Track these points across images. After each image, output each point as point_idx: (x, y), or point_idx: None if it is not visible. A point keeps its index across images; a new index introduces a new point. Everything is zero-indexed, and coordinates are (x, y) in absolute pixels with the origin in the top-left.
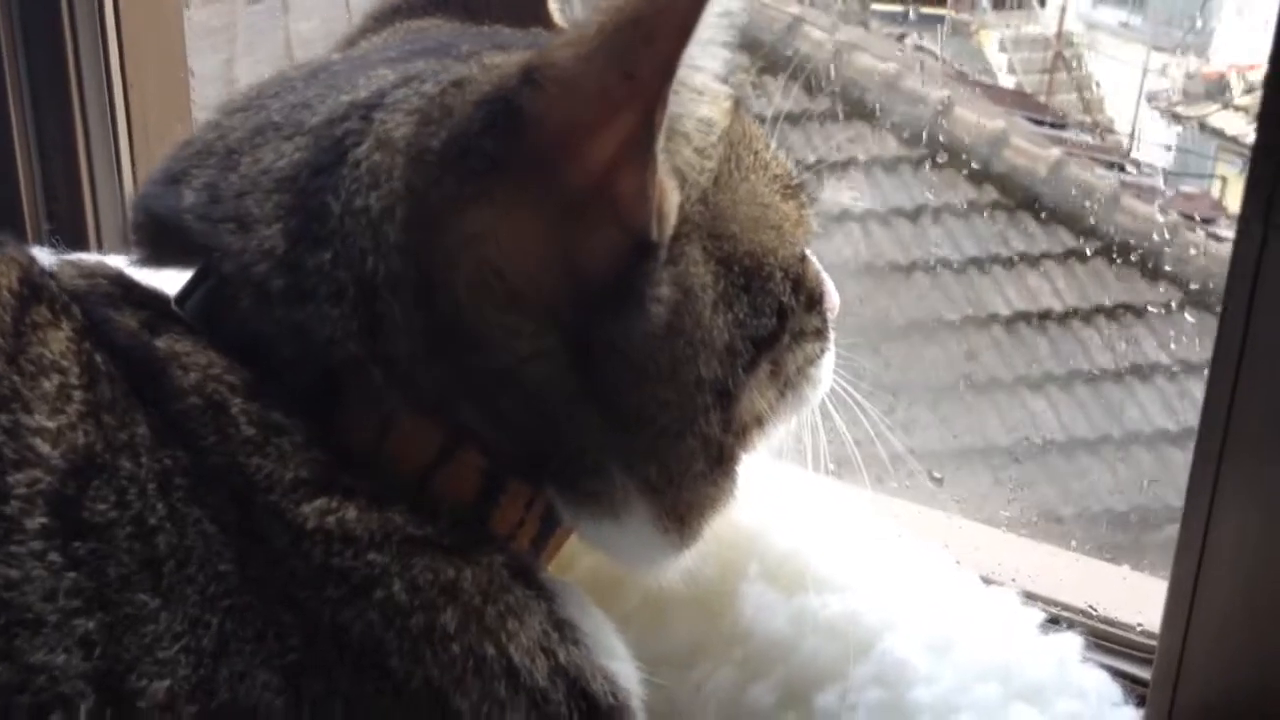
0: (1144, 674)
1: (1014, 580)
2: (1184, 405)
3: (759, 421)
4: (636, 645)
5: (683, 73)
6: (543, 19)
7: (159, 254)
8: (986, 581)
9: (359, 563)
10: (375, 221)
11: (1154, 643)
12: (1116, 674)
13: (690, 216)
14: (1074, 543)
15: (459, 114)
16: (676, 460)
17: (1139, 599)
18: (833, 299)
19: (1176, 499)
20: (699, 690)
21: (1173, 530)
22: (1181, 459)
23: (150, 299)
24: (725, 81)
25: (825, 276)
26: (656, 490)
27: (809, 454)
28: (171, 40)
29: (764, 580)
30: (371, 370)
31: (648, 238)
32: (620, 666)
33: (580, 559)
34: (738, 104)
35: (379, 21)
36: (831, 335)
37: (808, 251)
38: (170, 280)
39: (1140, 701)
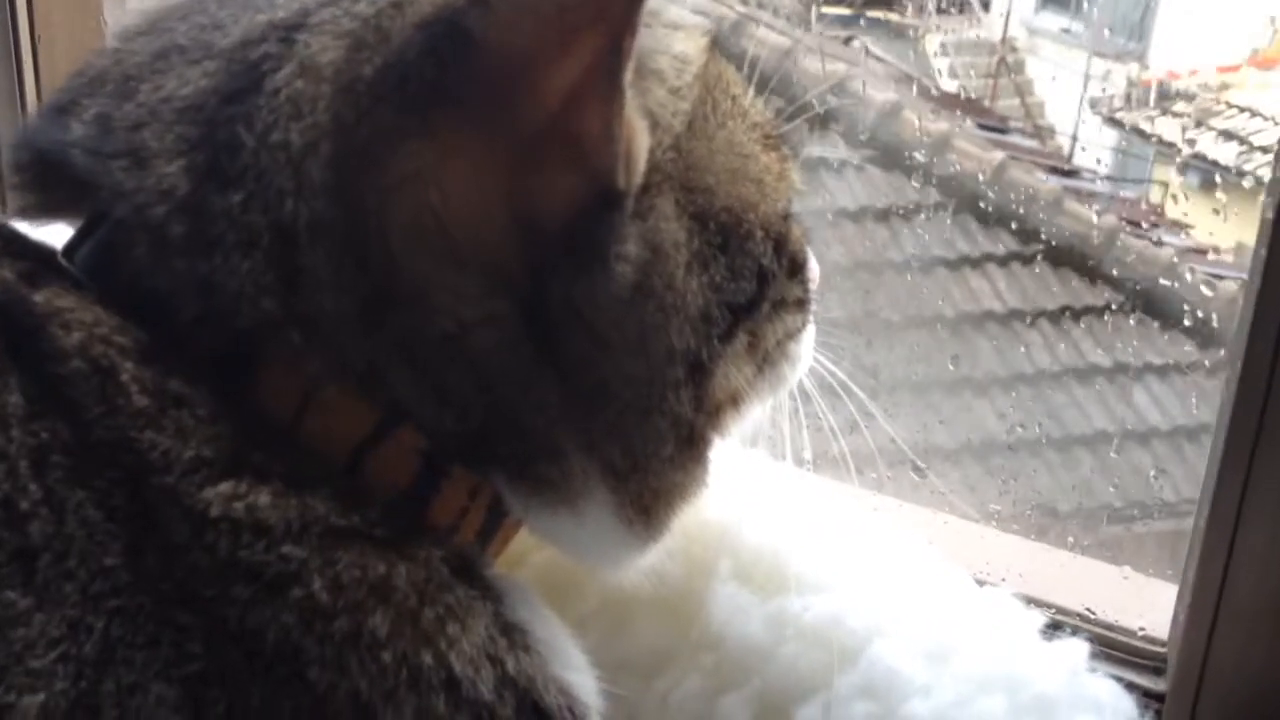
0: (1149, 683)
1: (1004, 580)
2: (1121, 406)
3: (734, 400)
4: (595, 651)
5: None
6: None
7: (47, 200)
8: (979, 582)
9: (272, 556)
10: (296, 158)
11: (1158, 649)
12: (1121, 683)
13: (661, 165)
14: (1070, 539)
15: (397, 38)
16: (643, 442)
17: (1140, 602)
18: (814, 268)
19: (1118, 499)
20: (664, 702)
21: (1112, 529)
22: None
23: (33, 249)
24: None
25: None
26: (619, 476)
27: (786, 442)
28: None
29: (737, 580)
30: (290, 332)
31: (613, 185)
32: (577, 677)
33: (532, 554)
34: (713, 42)
35: None
36: (813, 308)
37: (792, 210)
38: (63, 233)
39: (1157, 715)
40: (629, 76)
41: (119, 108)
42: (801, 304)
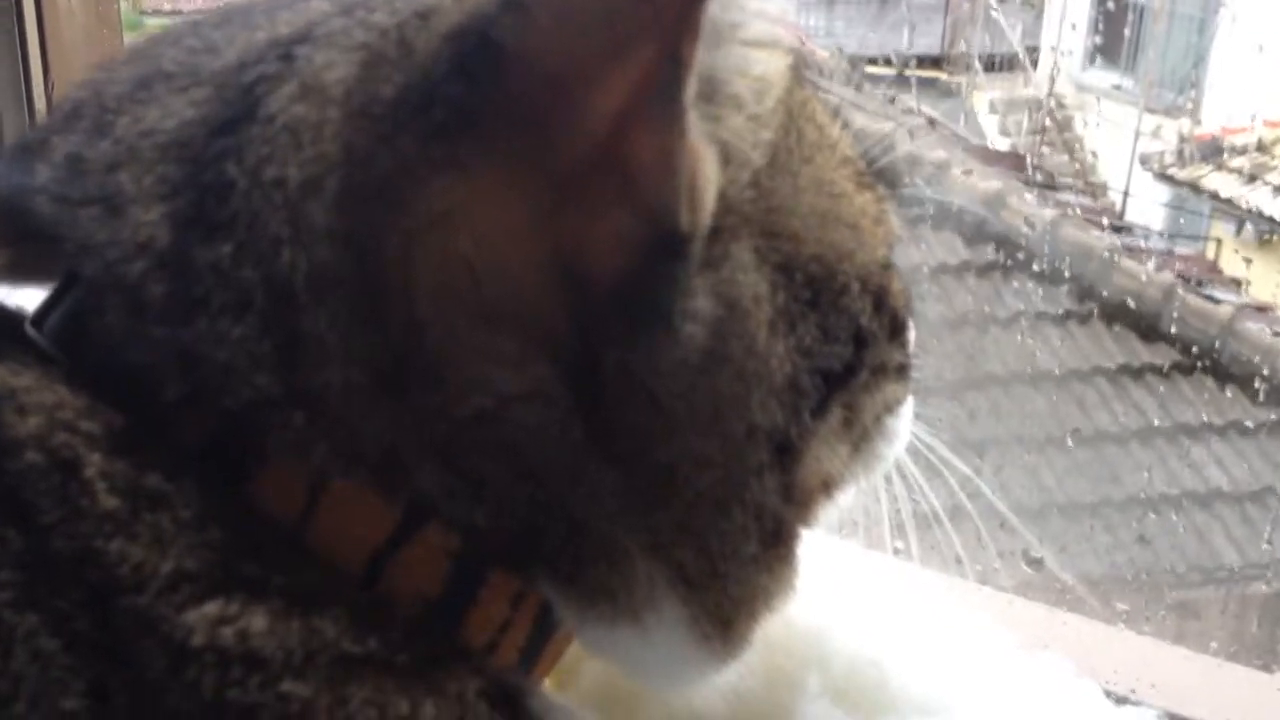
0: None
1: (1134, 691)
2: (1179, 467)
3: (826, 486)
4: None
5: (722, 3)
6: None
7: (15, 257)
8: (1112, 695)
9: (269, 696)
10: (293, 198)
11: None
12: None
13: (737, 206)
14: (1214, 645)
15: (421, 52)
16: (720, 540)
17: None
18: (910, 330)
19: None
20: None
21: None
22: (1200, 519)
23: None
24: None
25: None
26: (692, 582)
27: (880, 527)
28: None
29: (828, 697)
30: (290, 413)
31: (674, 227)
32: None
33: (584, 666)
34: (798, 64)
35: None
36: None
37: (892, 261)
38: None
39: None
40: (691, 94)
41: (93, 146)
42: (903, 371)
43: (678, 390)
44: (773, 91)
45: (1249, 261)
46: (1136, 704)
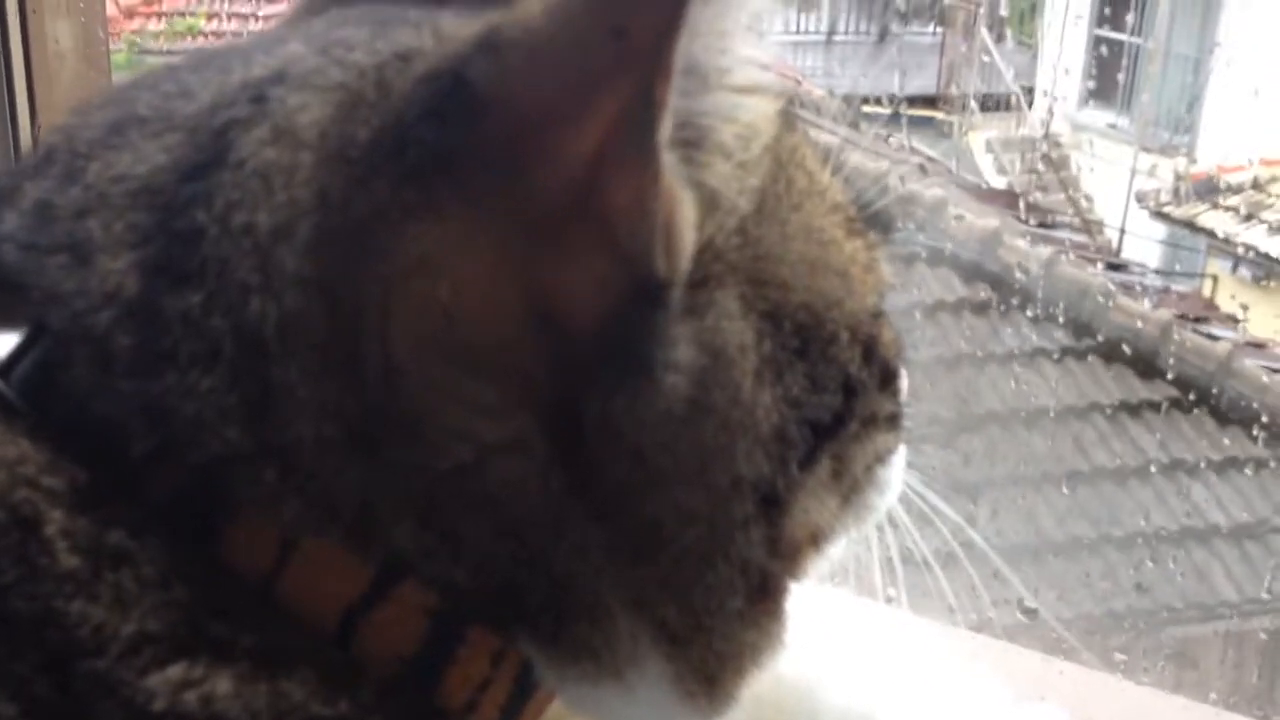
0: None
1: None
2: (1179, 503)
3: (814, 540)
4: None
5: (706, 47)
6: None
7: None
8: None
9: None
10: (264, 244)
11: None
12: None
13: (723, 253)
14: (1212, 695)
15: (398, 94)
16: (705, 596)
17: None
18: (904, 378)
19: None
20: None
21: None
22: (1199, 557)
23: None
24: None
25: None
26: (677, 639)
27: (871, 574)
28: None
29: None
30: (261, 468)
31: (651, 271)
32: None
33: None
34: (788, 109)
35: (311, 9)
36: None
37: (883, 309)
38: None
39: None
40: (665, 135)
41: (63, 192)
42: (894, 420)
43: (661, 441)
44: (760, 138)
45: (1245, 303)
46: None
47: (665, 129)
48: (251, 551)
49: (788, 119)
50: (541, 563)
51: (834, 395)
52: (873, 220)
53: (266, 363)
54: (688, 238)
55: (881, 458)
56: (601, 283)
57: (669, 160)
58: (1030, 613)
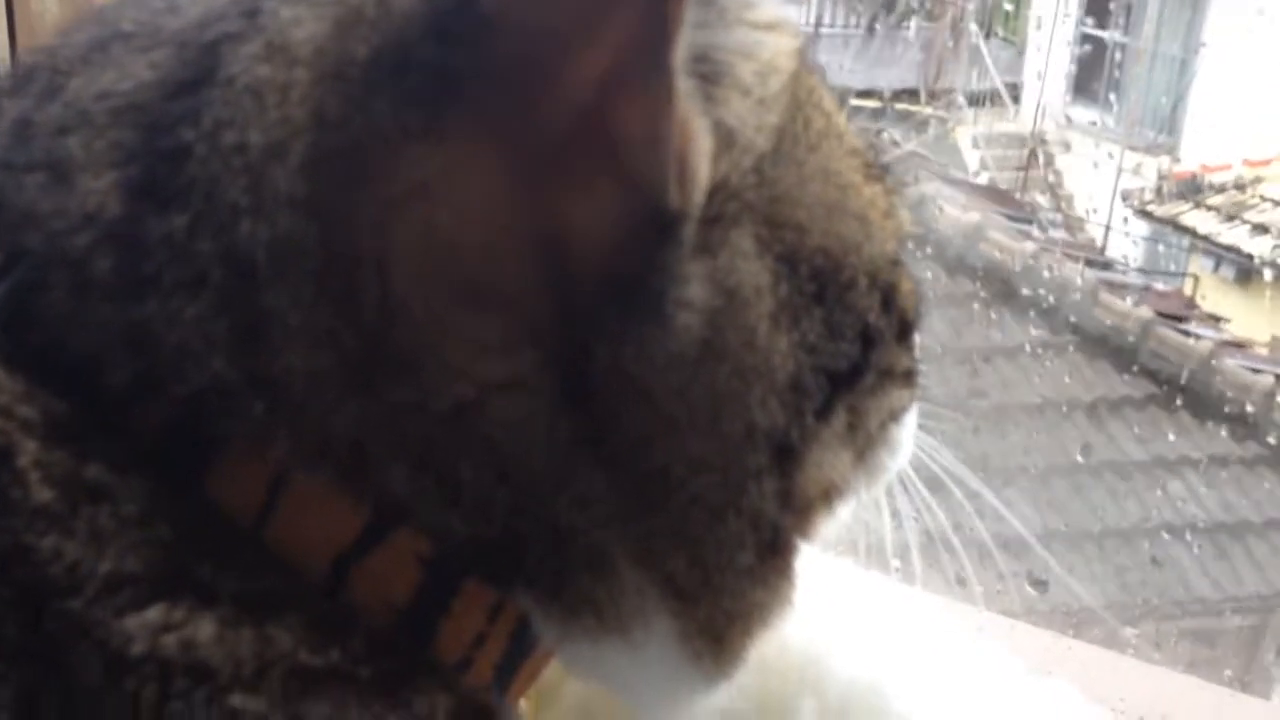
0: None
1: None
2: (1156, 499)
3: (827, 495)
4: None
5: None
6: None
7: None
8: None
9: (214, 712)
10: (256, 163)
11: None
12: None
13: (739, 192)
14: (1228, 673)
15: (400, 11)
16: (715, 550)
17: None
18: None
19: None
20: None
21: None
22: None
23: None
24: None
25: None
26: (684, 594)
27: (880, 545)
28: None
29: None
30: (249, 402)
31: (663, 202)
32: None
33: (565, 686)
34: (804, 48)
35: None
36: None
37: (901, 257)
38: None
39: None
40: (680, 59)
41: (42, 109)
42: (909, 376)
43: (672, 385)
44: (779, 76)
45: (1226, 303)
46: None
47: (680, 51)
48: (239, 490)
49: (805, 59)
50: (543, 511)
51: (851, 344)
52: (888, 170)
53: (257, 289)
54: (703, 170)
55: (896, 415)
56: (610, 211)
57: (684, 86)
58: (1040, 584)
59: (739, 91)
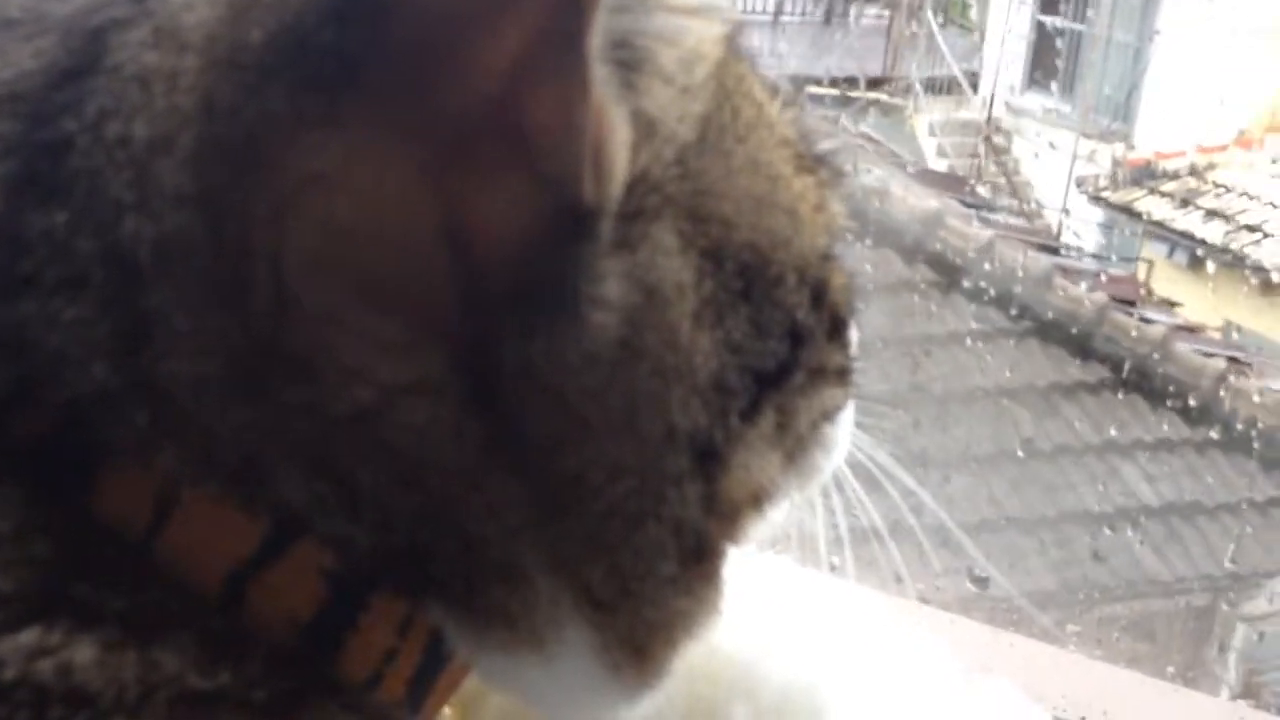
0: None
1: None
2: (1110, 482)
3: (755, 500)
4: None
5: None
6: None
7: None
8: None
9: None
10: (140, 157)
11: None
12: None
13: (660, 184)
14: (1170, 669)
15: None
16: (634, 558)
17: None
18: (852, 330)
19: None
20: None
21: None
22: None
23: None
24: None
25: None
26: (601, 605)
27: (815, 541)
28: None
29: None
30: (132, 410)
31: (576, 197)
32: None
33: (490, 698)
34: (733, 35)
35: None
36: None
37: (834, 253)
38: None
39: None
40: (595, 45)
41: None
42: (843, 374)
43: (588, 386)
44: (704, 63)
45: (1179, 288)
46: None
47: (595, 38)
48: (125, 503)
49: (734, 46)
50: (452, 519)
51: (779, 341)
52: (822, 161)
53: (140, 289)
54: (619, 162)
55: (829, 414)
56: (522, 207)
57: (601, 74)
58: (980, 581)
59: (660, 79)
